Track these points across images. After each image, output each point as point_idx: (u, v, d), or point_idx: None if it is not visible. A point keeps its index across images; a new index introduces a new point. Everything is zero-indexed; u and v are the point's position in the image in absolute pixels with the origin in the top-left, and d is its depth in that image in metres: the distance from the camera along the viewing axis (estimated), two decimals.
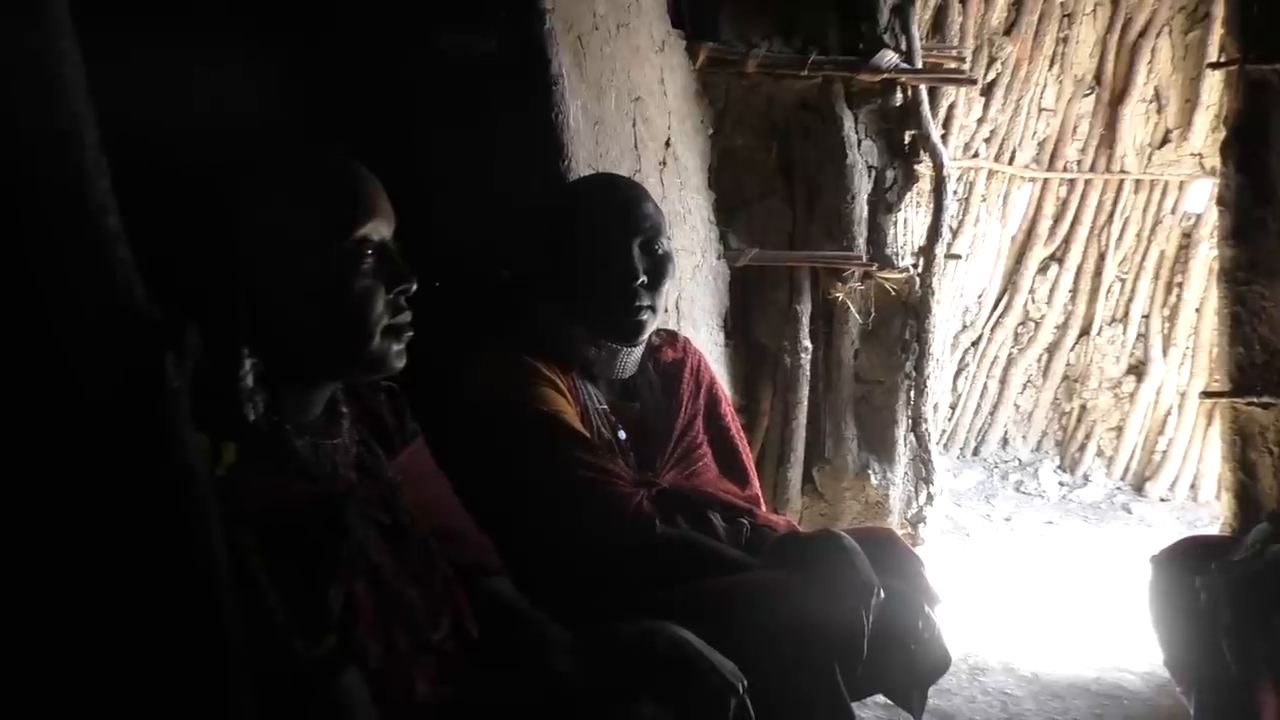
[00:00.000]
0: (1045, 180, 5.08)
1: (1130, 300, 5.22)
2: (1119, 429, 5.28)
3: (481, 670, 1.28)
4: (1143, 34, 4.84)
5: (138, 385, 0.75)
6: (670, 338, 1.94)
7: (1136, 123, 4.98)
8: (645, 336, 1.77)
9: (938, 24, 4.32)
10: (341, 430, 1.26)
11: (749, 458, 1.95)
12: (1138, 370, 5.26)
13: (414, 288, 1.22)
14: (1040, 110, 4.97)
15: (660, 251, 1.74)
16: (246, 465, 1.09)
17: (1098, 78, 4.96)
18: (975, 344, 5.28)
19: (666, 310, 1.86)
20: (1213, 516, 4.34)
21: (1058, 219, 5.15)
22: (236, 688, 0.81)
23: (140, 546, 0.77)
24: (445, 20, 1.98)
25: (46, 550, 0.79)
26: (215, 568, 0.79)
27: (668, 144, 2.72)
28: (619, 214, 1.72)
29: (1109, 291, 5.22)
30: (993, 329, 5.26)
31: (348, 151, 1.24)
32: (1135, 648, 2.80)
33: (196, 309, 0.87)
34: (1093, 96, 4.99)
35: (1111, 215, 5.11)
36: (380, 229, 1.21)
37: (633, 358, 1.79)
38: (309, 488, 1.17)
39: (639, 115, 2.55)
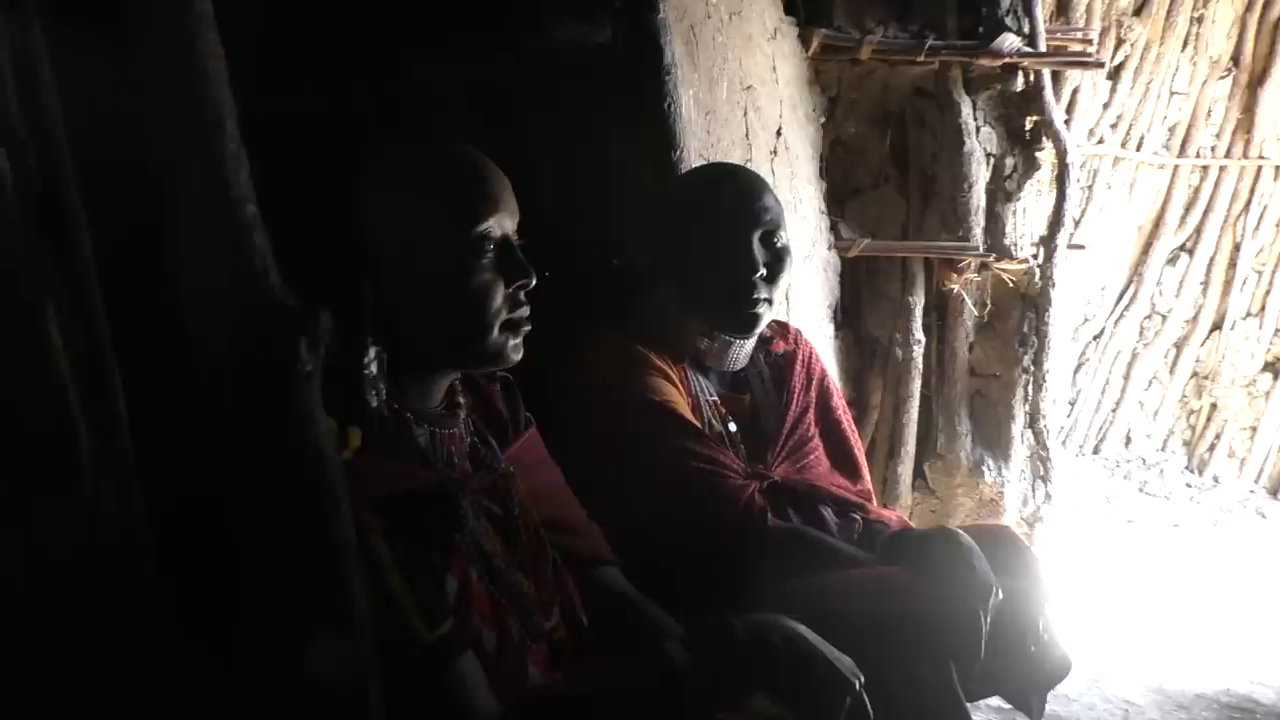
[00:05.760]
0: (1176, 167, 4.84)
1: (1268, 293, 4.96)
2: (1253, 429, 5.02)
3: (593, 658, 1.29)
4: None
5: (273, 368, 0.78)
6: (782, 329, 1.91)
7: (1278, 105, 4.70)
8: (760, 329, 1.75)
9: (1062, 5, 4.15)
10: (459, 420, 1.28)
11: (861, 452, 1.92)
12: (1275, 367, 5.00)
13: (533, 283, 1.23)
14: (1171, 94, 4.72)
15: (780, 244, 1.72)
16: (368, 451, 1.12)
17: (1235, 59, 4.70)
18: (1097, 338, 5.07)
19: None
20: None
21: (1189, 207, 4.90)
22: (364, 665, 0.84)
23: (275, 523, 0.79)
24: (559, 10, 2.00)
25: (187, 525, 0.82)
26: (345, 547, 0.82)
27: (779, 133, 2.69)
28: (741, 205, 1.70)
29: (1244, 284, 4.96)
30: (1116, 322, 5.04)
31: (472, 145, 1.26)
32: (1270, 659, 2.66)
33: (324, 296, 0.89)
34: (1229, 79, 4.73)
35: (1248, 203, 4.85)
36: (504, 223, 1.22)
37: (745, 349, 1.77)
38: (426, 476, 1.19)
39: (750, 104, 2.52)
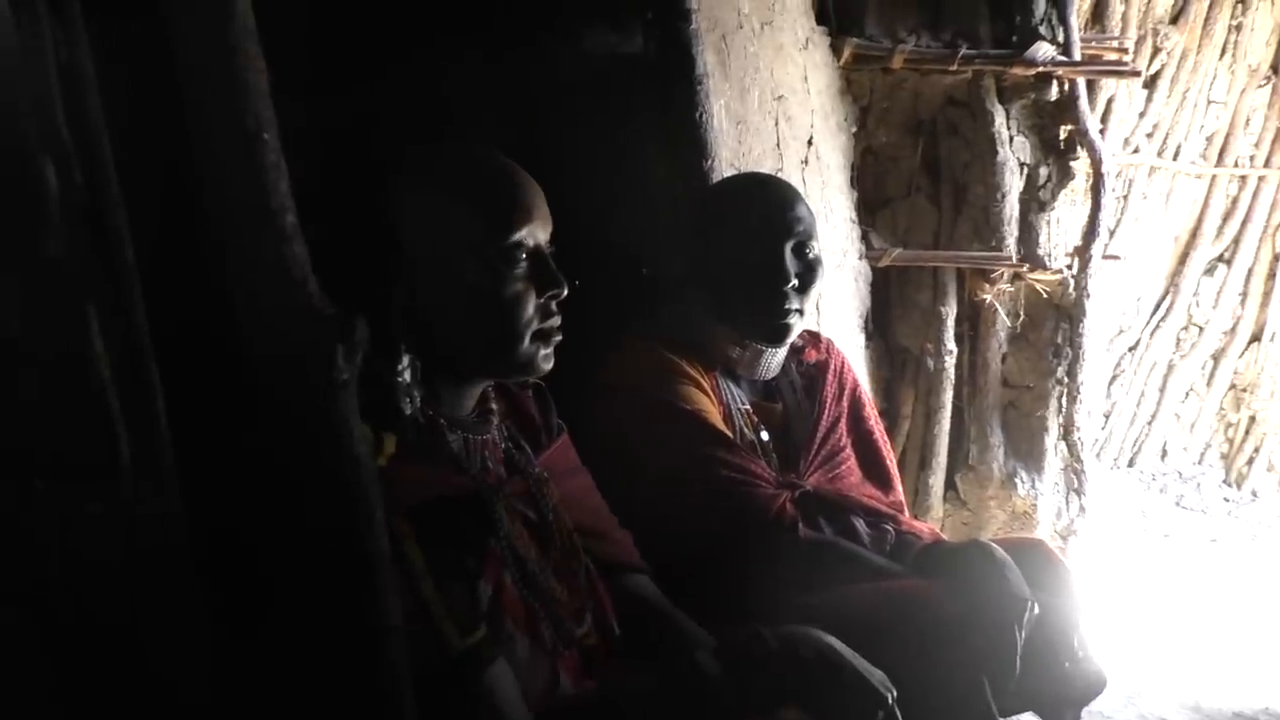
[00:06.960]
0: (1213, 176, 4.77)
1: None
2: None
3: (624, 666, 1.29)
4: None
5: (310, 375, 0.78)
6: (813, 339, 1.90)
7: None
8: (792, 339, 1.74)
9: (1098, 13, 4.11)
10: (492, 426, 1.29)
11: (893, 462, 1.90)
12: None
13: (565, 293, 1.23)
14: (1209, 102, 4.66)
15: (811, 255, 1.71)
16: (403, 457, 1.12)
17: (1274, 67, 4.64)
18: (1132, 349, 5.00)
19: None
20: None
21: (1226, 217, 4.83)
22: (396, 672, 0.84)
23: (311, 530, 0.80)
24: (590, 19, 2.01)
25: (223, 529, 0.83)
26: (378, 554, 0.82)
27: (810, 142, 2.69)
28: (773, 215, 1.69)
29: None
30: (1152, 334, 4.97)
31: (504, 152, 1.26)
32: None
33: (357, 302, 0.90)
34: (1268, 87, 4.66)
35: None
36: (537, 233, 1.23)
37: (777, 359, 1.76)
38: (460, 481, 1.20)
39: (781, 114, 2.52)
